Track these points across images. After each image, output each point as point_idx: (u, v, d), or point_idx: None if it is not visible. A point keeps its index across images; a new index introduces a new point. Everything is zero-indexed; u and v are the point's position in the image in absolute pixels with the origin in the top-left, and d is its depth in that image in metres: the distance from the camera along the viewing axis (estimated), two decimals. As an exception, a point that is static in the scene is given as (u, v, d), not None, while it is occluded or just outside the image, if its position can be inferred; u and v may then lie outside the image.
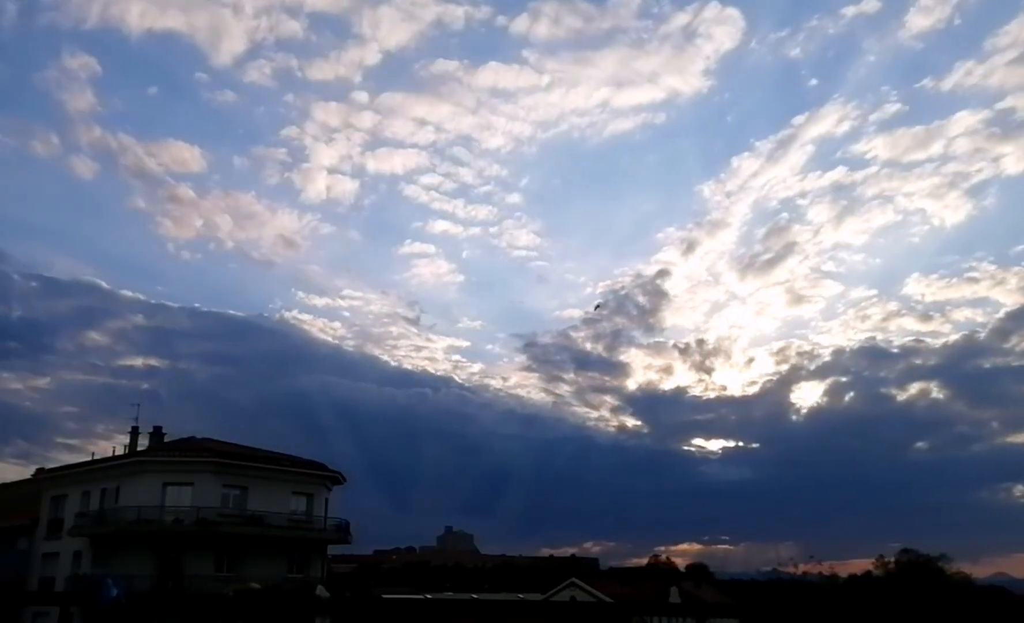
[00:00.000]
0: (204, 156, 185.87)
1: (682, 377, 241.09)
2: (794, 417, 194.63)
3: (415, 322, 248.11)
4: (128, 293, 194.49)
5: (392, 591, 77.35)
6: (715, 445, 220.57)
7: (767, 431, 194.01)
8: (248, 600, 9.15)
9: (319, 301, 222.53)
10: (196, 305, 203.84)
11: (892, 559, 31.78)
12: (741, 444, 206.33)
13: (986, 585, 46.41)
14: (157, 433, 46.53)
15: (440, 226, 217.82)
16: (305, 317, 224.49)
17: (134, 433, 46.01)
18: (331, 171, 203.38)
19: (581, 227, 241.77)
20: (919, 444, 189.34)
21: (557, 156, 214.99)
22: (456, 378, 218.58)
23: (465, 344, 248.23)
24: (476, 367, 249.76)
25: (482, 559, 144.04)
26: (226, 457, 40.67)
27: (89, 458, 45.57)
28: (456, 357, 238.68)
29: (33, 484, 48.83)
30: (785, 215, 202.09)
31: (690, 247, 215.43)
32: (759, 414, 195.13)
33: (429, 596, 44.65)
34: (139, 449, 44.33)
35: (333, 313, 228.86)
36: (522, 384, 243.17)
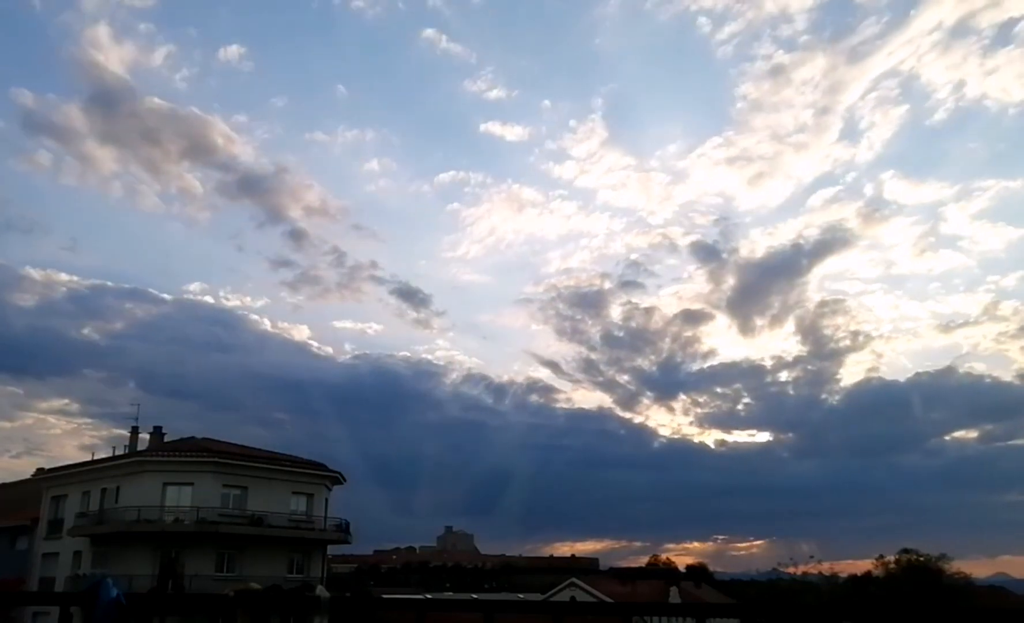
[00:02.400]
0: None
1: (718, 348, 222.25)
2: (830, 400, 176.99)
3: (412, 306, 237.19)
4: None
5: (395, 591, 77.50)
6: (737, 435, 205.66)
7: (800, 418, 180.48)
8: (248, 600, 9.14)
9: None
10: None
11: (892, 559, 31.75)
12: (771, 435, 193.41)
13: (986, 585, 46.44)
14: (157, 433, 46.57)
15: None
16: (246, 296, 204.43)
17: (134, 433, 46.04)
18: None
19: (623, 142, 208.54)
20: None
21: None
22: (434, 359, 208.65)
23: (461, 316, 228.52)
24: (473, 345, 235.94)
25: (482, 559, 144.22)
26: (226, 457, 40.66)
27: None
28: (452, 334, 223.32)
29: (33, 484, 48.83)
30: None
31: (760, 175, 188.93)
32: (791, 399, 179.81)
33: (429, 596, 44.69)
34: (139, 449, 44.31)
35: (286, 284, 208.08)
36: (532, 371, 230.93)
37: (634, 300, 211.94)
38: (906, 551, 31.41)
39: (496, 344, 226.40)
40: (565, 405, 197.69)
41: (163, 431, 46.89)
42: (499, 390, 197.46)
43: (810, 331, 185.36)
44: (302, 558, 42.17)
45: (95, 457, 45.25)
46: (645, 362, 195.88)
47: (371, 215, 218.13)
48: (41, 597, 39.31)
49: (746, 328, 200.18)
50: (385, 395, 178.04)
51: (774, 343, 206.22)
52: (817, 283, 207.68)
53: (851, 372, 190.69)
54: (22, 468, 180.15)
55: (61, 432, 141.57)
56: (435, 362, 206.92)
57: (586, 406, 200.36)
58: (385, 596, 28.70)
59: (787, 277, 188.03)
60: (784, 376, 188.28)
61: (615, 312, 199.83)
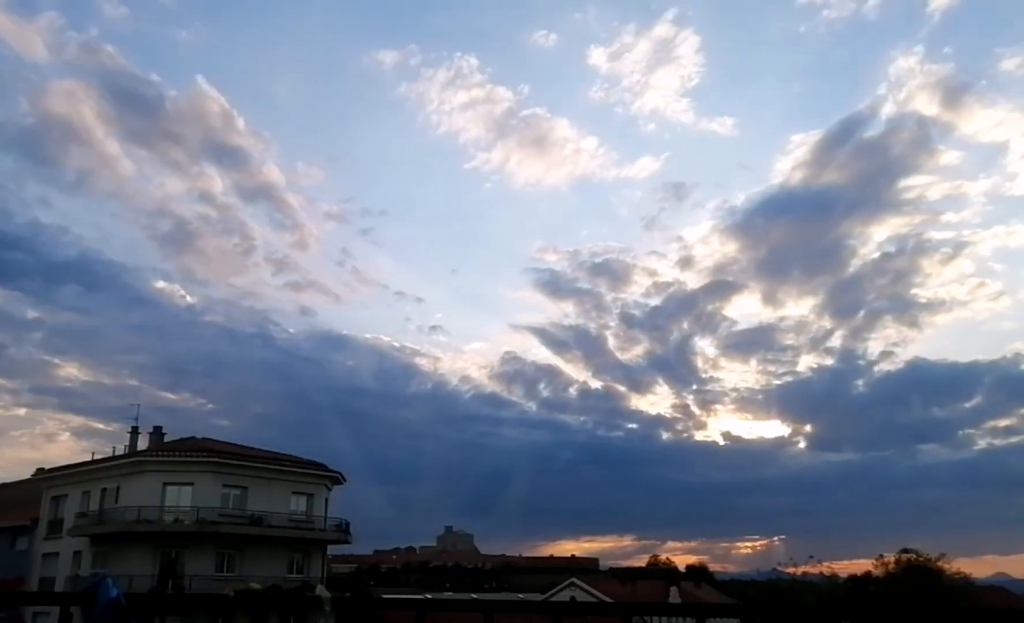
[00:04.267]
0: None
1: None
2: (857, 385, 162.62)
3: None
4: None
5: (395, 591, 77.54)
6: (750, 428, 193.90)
7: (821, 406, 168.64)
8: (248, 600, 9.15)
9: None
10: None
11: (892, 559, 31.73)
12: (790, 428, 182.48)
13: (986, 585, 46.45)
14: (157, 433, 46.60)
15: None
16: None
17: (134, 433, 46.05)
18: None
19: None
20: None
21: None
22: (433, 353, 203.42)
23: (462, 303, 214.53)
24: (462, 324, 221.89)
25: (482, 559, 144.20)
26: (226, 457, 40.70)
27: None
28: (452, 324, 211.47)
29: (33, 484, 48.83)
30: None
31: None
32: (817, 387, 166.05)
33: (429, 596, 44.71)
34: (139, 449, 44.33)
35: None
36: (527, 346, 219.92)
37: (654, 267, 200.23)
38: (906, 551, 31.37)
39: (499, 334, 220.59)
40: (570, 398, 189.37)
41: (163, 431, 46.99)
42: (501, 382, 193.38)
43: (843, 304, 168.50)
44: (302, 558, 42.19)
45: (95, 457, 45.30)
46: (658, 346, 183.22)
47: (360, 168, 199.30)
48: (41, 597, 39.31)
49: (772, 298, 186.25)
50: (383, 390, 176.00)
51: (802, 321, 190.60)
52: (853, 245, 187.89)
53: (883, 352, 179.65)
54: (22, 467, 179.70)
55: (58, 430, 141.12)
56: (433, 356, 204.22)
57: (590, 401, 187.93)
58: (385, 596, 28.73)
59: (820, 239, 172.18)
60: (809, 360, 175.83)
61: (633, 287, 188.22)
